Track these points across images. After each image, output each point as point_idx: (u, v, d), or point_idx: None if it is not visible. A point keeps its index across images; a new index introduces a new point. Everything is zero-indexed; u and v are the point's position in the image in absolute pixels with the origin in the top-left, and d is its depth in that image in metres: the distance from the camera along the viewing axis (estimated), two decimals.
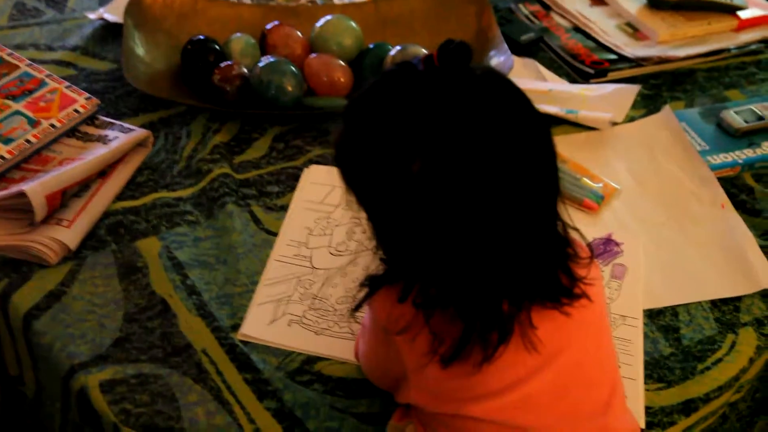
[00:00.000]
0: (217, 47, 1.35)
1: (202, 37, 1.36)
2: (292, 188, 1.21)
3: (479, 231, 0.69)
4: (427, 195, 0.68)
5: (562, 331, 0.77)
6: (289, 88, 1.26)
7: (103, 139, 1.20)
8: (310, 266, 1.10)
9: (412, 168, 0.67)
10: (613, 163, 1.32)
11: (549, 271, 0.75)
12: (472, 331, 0.72)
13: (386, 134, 0.70)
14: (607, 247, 1.16)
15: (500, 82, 0.71)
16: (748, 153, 1.32)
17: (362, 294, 0.80)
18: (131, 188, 1.19)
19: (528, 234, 0.71)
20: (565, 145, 1.24)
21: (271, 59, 1.28)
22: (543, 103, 1.32)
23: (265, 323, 1.02)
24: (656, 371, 1.00)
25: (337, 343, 1.00)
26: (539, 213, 0.73)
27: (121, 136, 1.20)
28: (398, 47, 1.34)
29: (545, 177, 0.72)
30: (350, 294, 1.06)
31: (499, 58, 1.38)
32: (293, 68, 1.28)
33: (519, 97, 0.71)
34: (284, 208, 1.18)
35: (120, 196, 1.17)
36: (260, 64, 1.27)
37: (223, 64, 1.30)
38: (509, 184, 0.68)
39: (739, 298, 1.10)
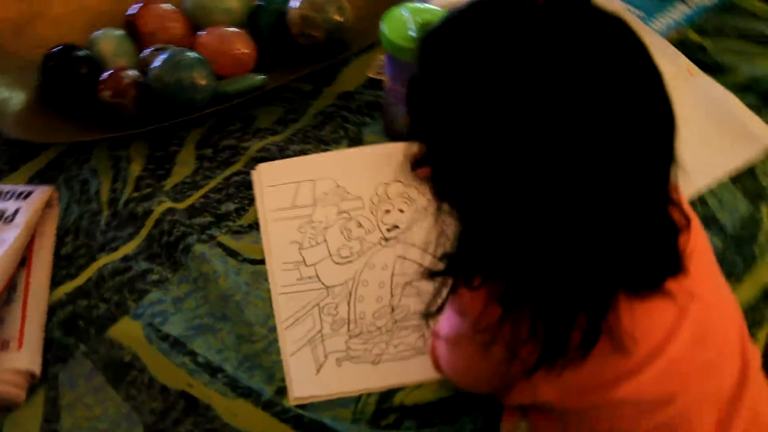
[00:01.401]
0: (84, 54, 1.08)
1: (60, 46, 1.08)
2: (250, 200, 1.01)
3: (585, 209, 0.57)
4: (529, 149, 0.55)
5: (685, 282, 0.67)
6: (203, 82, 1.03)
7: (2, 217, 0.93)
8: (322, 286, 0.92)
9: (519, 116, 0.55)
10: None
11: (655, 254, 0.64)
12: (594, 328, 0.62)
13: (489, 72, 0.56)
14: None
15: (624, 29, 0.58)
16: (683, 10, 1.25)
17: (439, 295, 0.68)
18: (62, 266, 0.94)
19: (640, 215, 0.61)
20: None
21: (169, 53, 1.04)
22: None
23: (312, 374, 0.85)
24: (721, 268, 0.93)
25: (403, 366, 0.85)
26: (653, 189, 0.61)
27: (22, 205, 0.94)
28: None
29: (664, 147, 0.61)
30: (384, 303, 0.90)
31: None
32: (197, 56, 1.05)
33: (641, 49, 0.58)
34: (254, 227, 0.98)
35: (55, 281, 0.92)
36: (157, 64, 1.03)
37: (105, 75, 1.04)
38: (627, 149, 0.57)
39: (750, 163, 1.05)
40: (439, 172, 0.64)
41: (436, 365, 0.82)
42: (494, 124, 0.56)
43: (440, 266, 0.66)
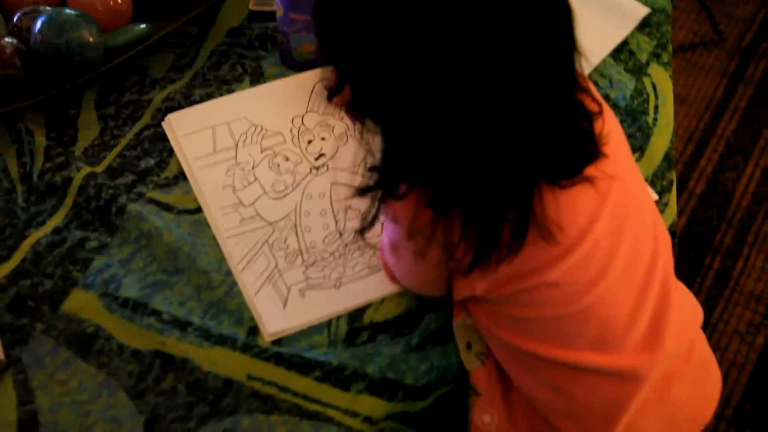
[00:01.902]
0: None
1: None
2: (169, 152, 0.99)
3: (498, 102, 0.61)
4: (441, 54, 0.59)
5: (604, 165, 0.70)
6: (92, 39, 0.99)
7: None
8: (266, 223, 0.93)
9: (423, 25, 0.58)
10: None
11: (572, 142, 0.68)
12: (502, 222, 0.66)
13: None
14: None
15: None
16: None
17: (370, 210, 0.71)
18: None
19: (550, 100, 0.64)
20: None
21: (49, 14, 0.98)
22: None
23: (279, 309, 0.87)
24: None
25: (364, 285, 0.89)
26: (558, 78, 0.64)
27: None
28: None
29: (562, 35, 0.64)
30: (330, 230, 0.93)
31: None
32: (80, 13, 1.00)
33: None
34: (181, 177, 0.97)
35: None
36: (39, 28, 0.98)
37: None
38: (527, 41, 0.60)
39: (626, 41, 1.14)
40: (357, 88, 0.66)
41: (391, 277, 0.85)
42: (404, 30, 0.58)
43: (370, 182, 0.69)
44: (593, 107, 0.70)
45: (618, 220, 0.71)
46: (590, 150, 0.69)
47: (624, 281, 0.71)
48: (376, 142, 0.67)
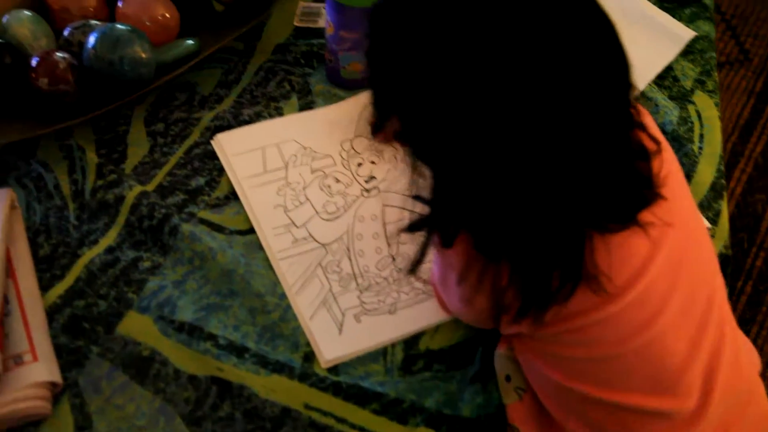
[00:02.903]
0: (2, 41, 1.00)
1: None
2: (218, 171, 0.99)
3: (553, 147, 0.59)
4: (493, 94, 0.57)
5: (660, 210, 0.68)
6: (145, 55, 0.99)
7: None
8: (319, 245, 0.93)
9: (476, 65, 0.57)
10: None
11: (626, 188, 0.65)
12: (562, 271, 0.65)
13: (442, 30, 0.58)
14: None
15: None
16: None
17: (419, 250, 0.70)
18: (44, 268, 0.89)
19: (604, 146, 0.61)
20: None
21: (102, 30, 0.98)
22: None
23: (335, 335, 0.86)
24: None
25: (419, 311, 0.88)
26: (611, 120, 0.62)
27: None
28: None
29: (617, 85, 0.62)
30: (383, 254, 0.92)
31: None
32: (132, 29, 0.99)
33: None
34: (231, 198, 0.96)
35: (44, 285, 0.87)
36: (92, 43, 0.97)
37: (35, 61, 0.97)
38: (580, 93, 0.58)
39: (671, 67, 1.13)
40: (409, 132, 0.65)
41: (442, 306, 0.84)
42: (458, 79, 0.57)
43: (419, 219, 0.68)
44: (650, 146, 0.68)
45: (673, 266, 0.68)
46: (645, 196, 0.66)
47: (679, 325, 0.69)
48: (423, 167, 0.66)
